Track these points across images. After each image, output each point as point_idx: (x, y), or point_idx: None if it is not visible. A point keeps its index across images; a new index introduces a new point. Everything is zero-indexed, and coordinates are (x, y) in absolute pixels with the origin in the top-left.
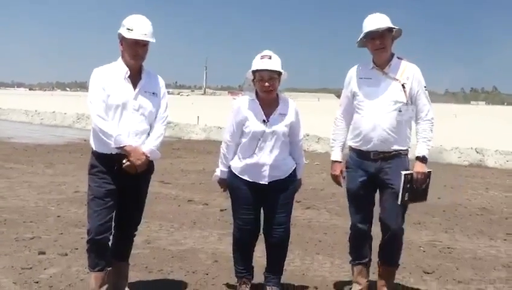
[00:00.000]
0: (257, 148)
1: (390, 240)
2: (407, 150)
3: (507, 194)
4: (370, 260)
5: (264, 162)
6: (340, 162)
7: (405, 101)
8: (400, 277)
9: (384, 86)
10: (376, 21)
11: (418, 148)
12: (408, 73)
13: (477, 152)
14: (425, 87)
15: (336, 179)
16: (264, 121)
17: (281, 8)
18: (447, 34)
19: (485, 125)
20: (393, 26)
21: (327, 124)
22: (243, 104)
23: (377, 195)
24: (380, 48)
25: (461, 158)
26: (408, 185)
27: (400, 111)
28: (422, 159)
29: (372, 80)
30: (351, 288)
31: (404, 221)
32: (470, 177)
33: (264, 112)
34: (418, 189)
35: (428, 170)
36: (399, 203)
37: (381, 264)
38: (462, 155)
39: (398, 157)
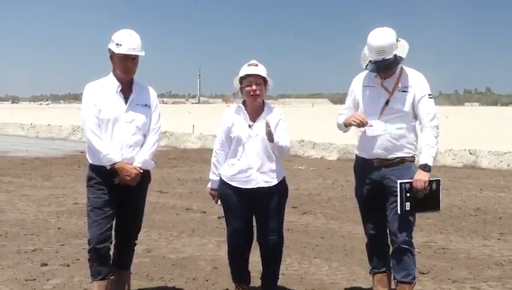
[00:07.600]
0: (243, 153)
1: (396, 253)
2: (413, 157)
3: (501, 194)
4: (390, 267)
5: (250, 166)
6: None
7: (404, 110)
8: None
9: (384, 94)
10: (380, 46)
11: (421, 156)
12: (411, 81)
13: (471, 153)
14: (429, 94)
15: (359, 120)
16: (249, 126)
17: (274, 15)
18: (440, 35)
19: (478, 126)
20: (397, 54)
21: (322, 130)
22: (230, 113)
23: None
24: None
25: (455, 160)
26: (408, 195)
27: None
28: (424, 168)
29: (375, 88)
30: None
31: (412, 231)
32: (464, 179)
33: (250, 118)
34: (418, 198)
35: (436, 179)
36: (399, 213)
37: (395, 280)
38: (456, 157)
39: (403, 164)
